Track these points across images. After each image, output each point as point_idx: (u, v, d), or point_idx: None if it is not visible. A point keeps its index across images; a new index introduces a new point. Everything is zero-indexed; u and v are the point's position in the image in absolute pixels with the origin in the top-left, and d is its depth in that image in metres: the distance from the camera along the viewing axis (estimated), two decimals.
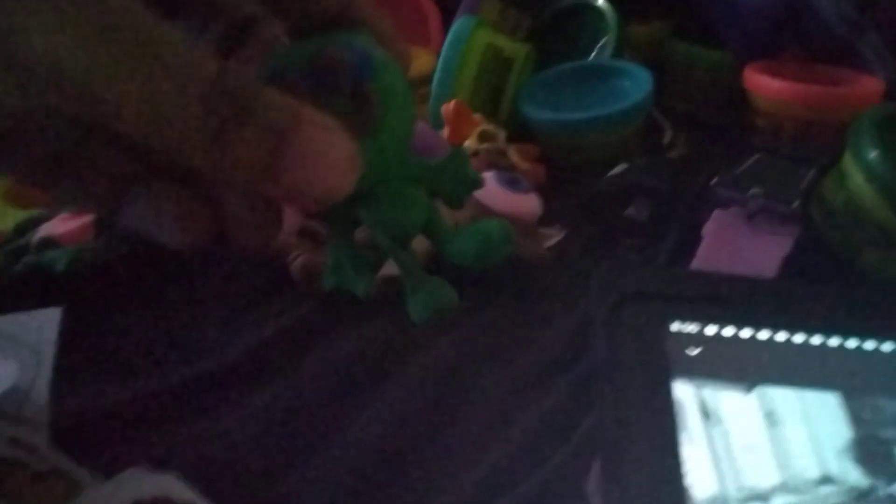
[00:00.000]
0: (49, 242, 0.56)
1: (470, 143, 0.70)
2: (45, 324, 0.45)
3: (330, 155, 0.22)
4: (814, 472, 0.36)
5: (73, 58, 0.19)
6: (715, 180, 0.59)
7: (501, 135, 0.71)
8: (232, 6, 0.29)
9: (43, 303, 0.49)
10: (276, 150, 0.21)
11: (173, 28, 0.21)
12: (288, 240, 0.55)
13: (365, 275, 0.37)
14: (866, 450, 0.37)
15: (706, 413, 0.39)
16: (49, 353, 0.44)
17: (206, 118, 0.20)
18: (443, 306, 0.35)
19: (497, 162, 0.68)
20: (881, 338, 0.42)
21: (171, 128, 0.20)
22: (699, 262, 0.54)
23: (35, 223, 0.59)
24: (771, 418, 0.39)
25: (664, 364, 0.41)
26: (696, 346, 0.42)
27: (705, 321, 0.43)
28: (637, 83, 0.77)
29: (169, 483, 0.38)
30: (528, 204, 0.56)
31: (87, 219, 0.57)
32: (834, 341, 0.42)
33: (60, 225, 0.57)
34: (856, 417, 0.39)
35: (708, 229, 0.56)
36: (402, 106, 0.29)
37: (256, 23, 0.29)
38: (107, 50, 0.19)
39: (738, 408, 0.39)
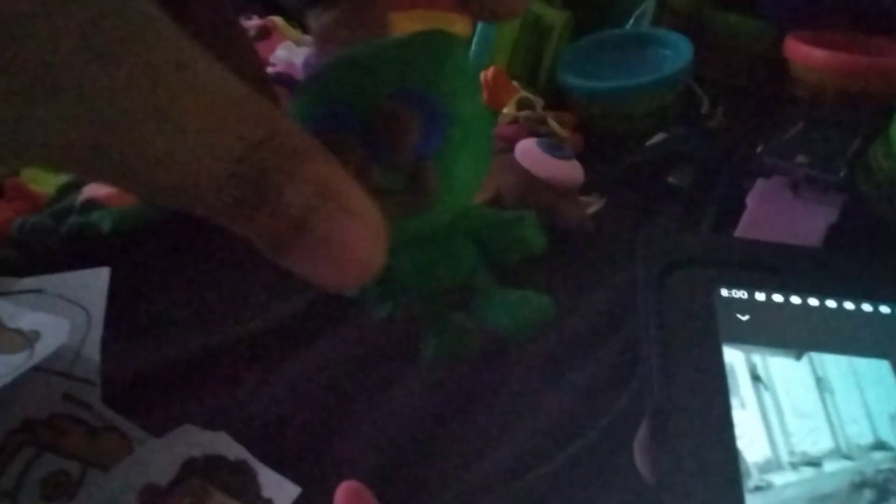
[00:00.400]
0: (93, 204, 0.57)
1: (508, 111, 0.70)
2: (94, 283, 0.46)
3: (351, 251, 0.19)
4: (866, 438, 0.36)
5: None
6: (760, 148, 0.58)
7: (539, 103, 0.71)
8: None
9: (89, 263, 0.49)
10: (288, 237, 0.19)
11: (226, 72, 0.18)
12: None
13: (465, 337, 0.35)
14: None
15: (757, 378, 0.39)
16: (99, 312, 0.45)
17: (219, 197, 0.18)
18: (459, 351, 0.34)
19: (535, 130, 0.67)
20: None
21: (177, 187, 0.18)
22: (742, 230, 0.53)
23: (77, 185, 0.60)
24: (822, 384, 0.39)
25: (714, 329, 0.40)
26: (746, 313, 0.42)
27: (755, 288, 0.43)
28: (676, 52, 0.76)
29: (220, 441, 0.38)
30: (571, 170, 0.56)
31: None
32: (885, 309, 0.42)
33: (103, 186, 0.57)
34: None
35: (752, 198, 0.56)
36: (467, 181, 0.25)
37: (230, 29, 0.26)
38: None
39: (788, 374, 0.39)
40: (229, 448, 0.38)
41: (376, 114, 0.23)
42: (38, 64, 0.16)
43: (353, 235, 0.19)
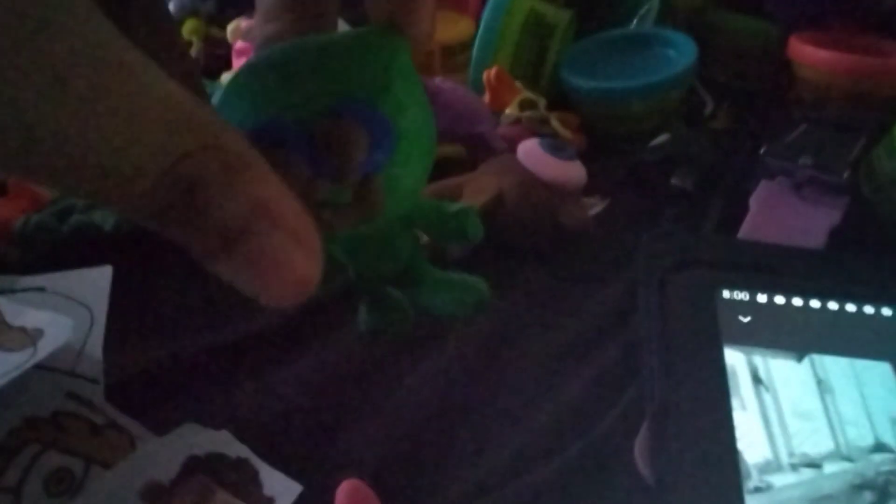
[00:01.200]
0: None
1: (511, 111, 0.70)
2: (96, 281, 0.46)
3: (284, 270, 0.18)
4: (866, 440, 0.36)
5: None
6: (764, 149, 0.58)
7: (542, 103, 0.71)
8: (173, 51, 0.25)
9: (91, 262, 0.49)
10: (216, 251, 0.18)
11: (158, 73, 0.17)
12: None
13: (399, 314, 0.35)
14: None
15: (757, 380, 0.39)
16: (101, 310, 0.45)
17: (150, 201, 0.17)
18: (392, 327, 0.34)
19: (538, 130, 0.67)
20: None
21: (117, 197, 0.17)
22: (746, 232, 0.53)
23: None
24: (823, 386, 0.39)
25: (715, 331, 0.41)
26: (748, 314, 0.42)
27: (756, 289, 0.43)
28: (680, 52, 0.76)
29: (223, 439, 0.38)
30: (574, 171, 0.56)
31: None
32: (886, 311, 0.42)
33: None
34: None
35: (755, 199, 0.56)
36: (413, 188, 0.25)
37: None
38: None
39: (789, 375, 0.39)
40: (231, 446, 0.38)
41: (320, 129, 0.22)
42: None
43: (286, 256, 0.18)
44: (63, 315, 0.43)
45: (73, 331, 0.43)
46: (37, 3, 0.15)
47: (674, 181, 0.61)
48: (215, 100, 0.24)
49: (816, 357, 0.40)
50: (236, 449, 0.38)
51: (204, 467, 0.37)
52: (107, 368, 0.43)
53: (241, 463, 0.37)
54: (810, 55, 0.74)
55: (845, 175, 0.55)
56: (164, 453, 0.37)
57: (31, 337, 0.41)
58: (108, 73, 0.16)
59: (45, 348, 0.40)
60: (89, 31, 0.16)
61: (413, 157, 0.24)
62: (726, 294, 0.43)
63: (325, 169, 0.22)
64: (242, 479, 0.37)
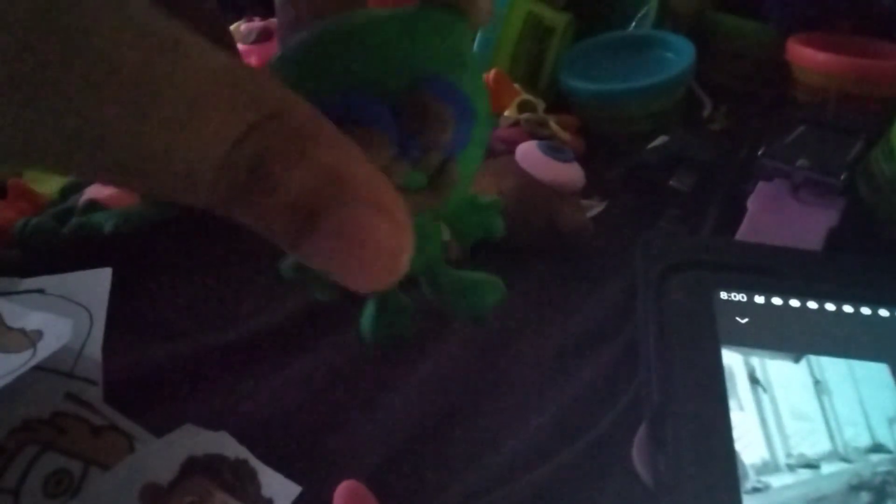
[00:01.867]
0: (94, 205, 0.57)
1: (509, 113, 0.70)
2: (96, 283, 0.46)
3: (371, 246, 0.17)
4: (864, 441, 0.36)
5: None
6: (761, 151, 0.58)
7: (541, 105, 0.71)
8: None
9: (91, 264, 0.49)
10: (299, 229, 0.16)
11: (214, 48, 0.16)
12: None
13: (404, 320, 0.35)
14: None
15: (755, 380, 0.39)
16: (101, 312, 0.45)
17: (215, 189, 0.16)
18: (397, 329, 0.34)
19: (537, 132, 0.67)
20: None
21: (166, 182, 0.16)
22: (743, 233, 0.54)
23: (79, 186, 0.60)
24: (820, 387, 0.39)
25: (713, 332, 0.41)
26: (745, 315, 0.42)
27: (754, 290, 0.43)
28: (679, 54, 0.76)
29: (222, 440, 0.38)
30: (572, 173, 0.56)
31: None
32: (884, 312, 0.42)
33: (105, 188, 0.57)
34: None
35: (752, 201, 0.56)
36: (472, 177, 0.24)
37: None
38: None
39: (787, 376, 0.39)
40: (230, 447, 0.38)
41: (412, 104, 0.20)
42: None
43: (372, 228, 0.17)
44: (62, 317, 0.43)
45: (72, 332, 0.43)
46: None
47: (672, 183, 0.61)
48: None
49: (814, 358, 0.40)
50: (235, 450, 0.38)
51: (202, 468, 0.37)
52: (106, 370, 0.43)
53: (240, 464, 0.37)
54: (808, 57, 0.75)
55: (843, 177, 0.55)
56: (163, 455, 0.37)
57: (31, 339, 0.41)
58: (157, 52, 0.15)
59: (44, 350, 0.40)
60: (134, 12, 0.15)
61: (483, 145, 0.23)
62: (724, 295, 0.43)
63: (409, 148, 0.21)
64: (241, 480, 0.37)
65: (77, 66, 0.14)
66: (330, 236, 0.16)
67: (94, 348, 0.43)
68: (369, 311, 0.34)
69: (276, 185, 0.16)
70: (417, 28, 0.21)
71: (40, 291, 0.45)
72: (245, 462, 0.38)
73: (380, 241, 0.17)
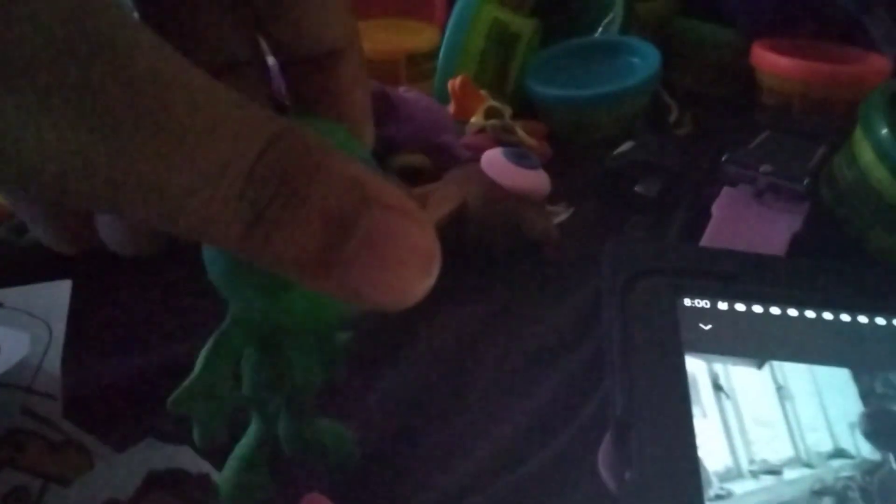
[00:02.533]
0: None
1: (476, 120, 0.70)
2: (55, 296, 0.45)
3: (407, 246, 0.17)
4: (826, 446, 0.36)
5: None
6: (725, 157, 0.59)
7: (507, 111, 0.71)
8: (213, 46, 0.24)
9: (48, 276, 0.49)
10: (333, 241, 0.16)
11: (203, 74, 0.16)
12: None
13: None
14: (877, 424, 0.37)
15: (718, 387, 0.39)
16: (60, 325, 0.44)
17: (239, 205, 0.16)
18: (254, 496, 0.34)
19: (503, 138, 0.67)
20: (892, 314, 0.43)
21: (185, 216, 0.16)
22: (708, 239, 0.54)
23: None
24: (782, 392, 0.39)
25: (676, 339, 0.41)
26: (708, 322, 0.42)
27: (717, 297, 0.43)
28: (645, 60, 0.77)
29: (183, 455, 0.38)
30: (537, 180, 0.56)
31: None
32: (845, 317, 0.42)
33: None
34: (867, 392, 0.39)
35: (717, 206, 0.56)
36: None
37: (239, 67, 0.24)
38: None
39: (749, 382, 0.39)
40: (192, 461, 0.37)
41: None
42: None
43: (404, 230, 0.17)
44: (20, 330, 0.43)
45: (30, 346, 0.42)
46: (86, 35, 0.14)
47: (638, 189, 0.62)
48: None
49: (777, 364, 0.40)
50: (197, 464, 0.37)
51: (164, 483, 0.36)
52: (66, 384, 0.42)
53: (202, 478, 0.37)
54: (772, 63, 0.75)
55: (806, 182, 0.55)
56: (123, 470, 0.36)
57: None
58: (171, 67, 0.15)
59: (1, 364, 0.40)
60: (138, 56, 0.15)
61: None
62: (687, 302, 0.43)
63: None
64: (203, 495, 0.36)
65: (96, 73, 0.14)
66: (363, 244, 0.16)
67: (54, 362, 0.43)
68: (229, 470, 0.34)
69: (307, 195, 0.16)
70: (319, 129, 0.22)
71: None
72: (207, 476, 0.37)
73: (413, 242, 0.17)
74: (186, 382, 0.28)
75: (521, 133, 0.69)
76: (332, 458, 0.36)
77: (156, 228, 0.16)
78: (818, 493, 0.34)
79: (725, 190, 0.57)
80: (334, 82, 0.24)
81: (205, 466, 0.38)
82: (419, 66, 0.80)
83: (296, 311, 0.23)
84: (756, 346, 0.41)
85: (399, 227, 0.16)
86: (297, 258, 0.16)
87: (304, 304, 0.22)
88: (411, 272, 0.17)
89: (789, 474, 0.35)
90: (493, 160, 0.56)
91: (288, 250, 0.16)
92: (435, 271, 0.17)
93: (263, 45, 0.25)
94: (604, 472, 0.38)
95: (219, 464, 0.38)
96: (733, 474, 0.35)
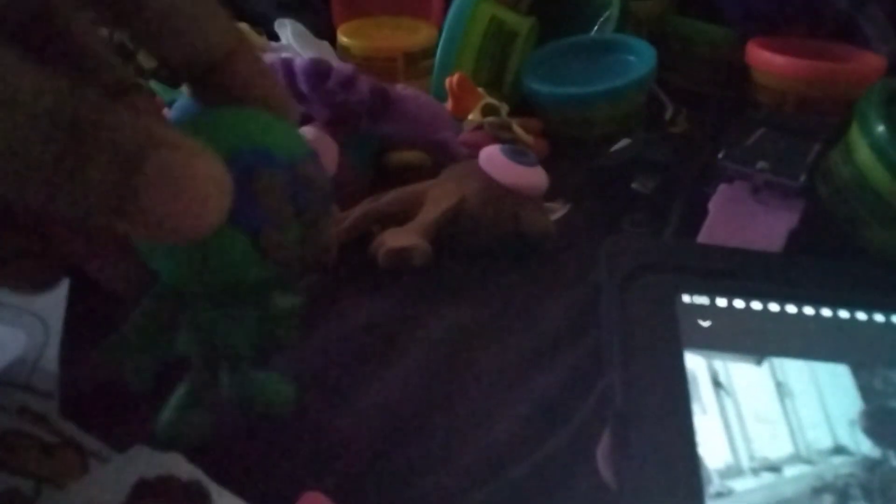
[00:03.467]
0: None
1: (473, 117, 0.70)
2: (52, 294, 0.45)
3: (193, 180, 0.20)
4: (826, 443, 0.36)
5: None
6: (722, 154, 0.59)
7: (504, 109, 0.71)
8: (104, 69, 0.27)
9: None
10: (127, 178, 0.19)
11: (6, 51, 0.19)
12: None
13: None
14: (877, 421, 0.37)
15: (718, 384, 0.39)
16: (57, 322, 0.44)
17: (44, 148, 0.18)
18: (189, 434, 0.38)
19: (500, 136, 0.67)
20: (891, 310, 0.43)
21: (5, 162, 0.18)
22: (704, 235, 0.54)
23: None
24: (782, 389, 0.39)
25: (675, 335, 0.41)
26: (707, 318, 0.42)
27: (716, 293, 0.43)
28: (640, 58, 0.77)
29: (173, 461, 0.37)
30: (535, 177, 0.56)
31: None
32: (844, 314, 0.42)
33: None
34: (866, 389, 0.39)
35: (713, 203, 0.56)
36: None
37: (130, 91, 0.27)
38: None
39: (749, 379, 0.39)
40: (182, 468, 0.37)
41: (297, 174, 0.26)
42: None
43: (190, 166, 0.20)
44: (17, 328, 0.42)
45: (26, 344, 0.42)
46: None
47: (634, 186, 0.62)
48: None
49: (776, 360, 0.40)
50: (187, 471, 0.37)
51: (154, 491, 0.36)
52: (63, 382, 0.42)
53: (193, 485, 0.36)
54: (767, 61, 0.75)
55: (802, 179, 0.55)
56: (113, 477, 0.36)
57: None
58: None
59: None
60: None
61: None
62: (686, 298, 0.43)
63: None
64: (193, 503, 0.36)
65: None
66: (153, 181, 0.19)
67: (51, 360, 0.42)
68: (167, 410, 0.38)
69: (97, 142, 0.19)
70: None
71: None
72: (198, 483, 0.37)
73: (202, 172, 0.20)
74: (114, 336, 0.32)
75: (518, 130, 0.68)
76: (270, 408, 0.39)
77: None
78: (819, 490, 0.34)
79: (722, 187, 0.58)
80: (238, 80, 0.27)
81: (195, 473, 0.37)
82: (417, 63, 0.80)
83: (164, 270, 0.27)
84: (755, 342, 0.41)
85: (186, 163, 0.20)
86: (99, 201, 0.19)
87: (166, 264, 0.27)
88: (202, 200, 0.20)
89: (790, 471, 0.35)
90: (491, 157, 0.56)
91: (89, 194, 0.19)
92: (226, 198, 0.21)
93: None
94: (603, 468, 0.38)
95: (210, 471, 0.38)
96: (734, 471, 0.35)
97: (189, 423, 0.38)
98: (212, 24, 0.26)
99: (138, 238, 0.26)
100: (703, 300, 0.43)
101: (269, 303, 0.32)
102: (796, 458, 0.36)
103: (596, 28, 0.87)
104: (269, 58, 0.62)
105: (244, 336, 0.32)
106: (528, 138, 0.69)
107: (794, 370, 0.40)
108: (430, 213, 0.54)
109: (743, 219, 0.55)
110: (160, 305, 0.31)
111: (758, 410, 0.38)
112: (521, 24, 0.79)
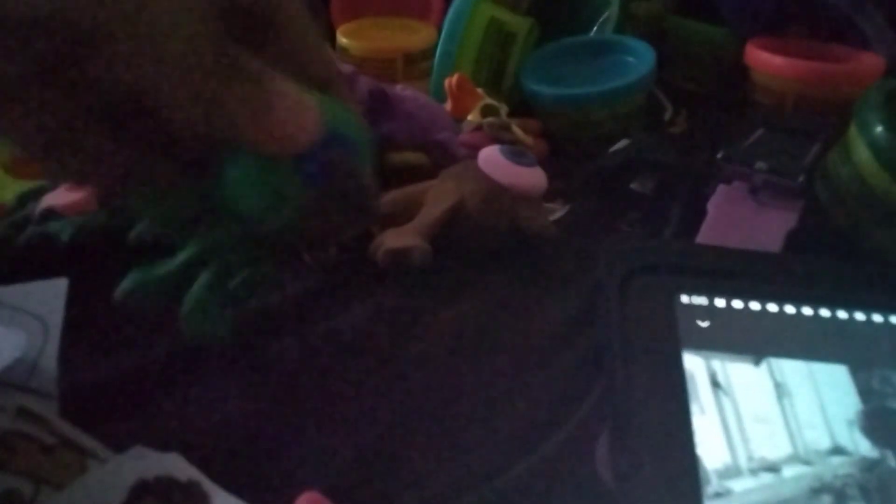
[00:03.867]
0: (51, 213, 0.56)
1: (472, 118, 0.70)
2: (51, 294, 0.45)
3: (300, 102, 0.30)
4: (824, 443, 0.37)
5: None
6: (721, 154, 0.59)
7: (504, 109, 0.71)
8: (314, 64, 0.35)
9: (47, 274, 0.49)
10: (261, 95, 0.29)
11: None
12: None
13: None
14: (875, 421, 0.37)
15: (716, 384, 0.39)
16: (56, 323, 0.44)
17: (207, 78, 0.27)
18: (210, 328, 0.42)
19: (499, 136, 0.67)
20: (889, 311, 0.43)
21: (170, 83, 0.27)
22: (703, 236, 0.54)
23: (37, 194, 0.59)
24: (780, 390, 0.39)
25: (674, 336, 0.41)
26: (706, 319, 0.42)
27: (715, 294, 0.43)
28: (640, 58, 0.77)
29: (172, 462, 0.37)
30: (534, 177, 0.56)
31: (90, 190, 0.56)
32: (842, 314, 0.43)
33: (63, 196, 0.56)
34: (864, 389, 0.39)
35: (712, 204, 0.56)
36: None
37: (332, 84, 0.35)
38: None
39: (747, 379, 0.39)
40: (181, 469, 0.37)
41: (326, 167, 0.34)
42: None
43: (295, 92, 0.31)
44: (17, 328, 0.43)
45: (26, 344, 0.42)
46: None
47: (634, 186, 0.62)
48: None
49: (774, 360, 0.40)
50: (186, 471, 0.37)
51: (153, 492, 0.36)
52: (62, 383, 0.42)
53: (192, 486, 0.36)
54: (766, 61, 0.76)
55: (801, 179, 0.55)
56: (112, 478, 0.36)
57: None
58: None
59: None
60: None
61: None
62: (685, 299, 0.43)
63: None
64: (193, 503, 0.36)
65: None
66: (275, 100, 0.30)
67: (50, 360, 0.43)
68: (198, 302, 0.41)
69: (241, 70, 0.29)
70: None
71: None
72: (197, 484, 0.37)
73: (302, 99, 0.31)
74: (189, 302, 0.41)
75: (517, 131, 0.68)
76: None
77: None
78: (817, 490, 0.34)
79: (721, 187, 0.58)
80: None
81: (194, 474, 0.37)
82: (416, 64, 0.81)
83: (247, 206, 0.32)
84: (754, 342, 0.41)
85: (293, 91, 0.31)
86: (242, 113, 0.29)
87: (250, 201, 0.32)
88: (308, 115, 0.31)
89: (788, 472, 0.35)
90: (490, 157, 0.56)
91: (236, 111, 0.29)
92: (319, 118, 0.31)
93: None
94: (601, 468, 0.38)
95: (209, 472, 0.38)
96: (732, 472, 0.35)
97: (206, 313, 0.41)
98: (324, 53, 0.36)
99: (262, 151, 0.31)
100: (701, 300, 0.43)
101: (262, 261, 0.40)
102: (794, 459, 0.36)
103: (595, 29, 0.87)
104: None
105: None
106: (528, 139, 0.69)
107: (793, 370, 0.40)
108: (429, 213, 0.54)
109: (742, 219, 0.55)
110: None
111: (756, 411, 0.38)
112: (521, 24, 0.79)
